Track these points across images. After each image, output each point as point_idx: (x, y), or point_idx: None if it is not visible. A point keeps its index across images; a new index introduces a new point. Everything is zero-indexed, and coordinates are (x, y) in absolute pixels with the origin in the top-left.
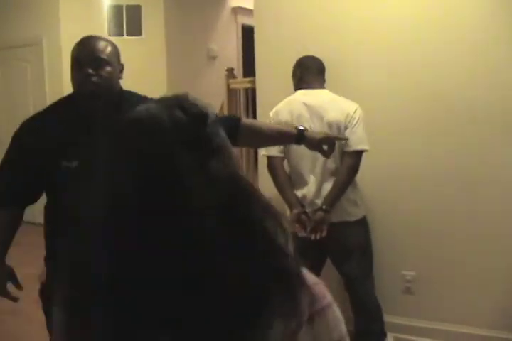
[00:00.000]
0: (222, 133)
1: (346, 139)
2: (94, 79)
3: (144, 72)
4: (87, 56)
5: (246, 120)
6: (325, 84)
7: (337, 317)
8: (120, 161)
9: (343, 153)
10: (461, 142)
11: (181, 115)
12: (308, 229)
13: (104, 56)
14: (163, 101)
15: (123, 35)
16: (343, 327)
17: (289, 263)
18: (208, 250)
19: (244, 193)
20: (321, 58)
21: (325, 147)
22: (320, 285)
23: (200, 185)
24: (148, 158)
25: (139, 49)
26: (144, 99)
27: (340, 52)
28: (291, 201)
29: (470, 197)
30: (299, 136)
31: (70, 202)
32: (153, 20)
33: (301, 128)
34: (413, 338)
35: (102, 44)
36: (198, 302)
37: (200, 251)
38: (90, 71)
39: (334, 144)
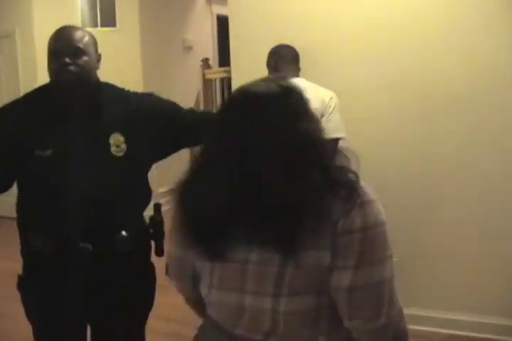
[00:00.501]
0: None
1: None
2: (72, 68)
3: (119, 63)
4: (64, 45)
5: None
6: (300, 73)
7: (380, 208)
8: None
9: None
10: (443, 131)
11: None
12: None
13: (81, 45)
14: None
15: (97, 26)
16: (384, 216)
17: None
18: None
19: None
20: (295, 47)
21: None
22: (369, 187)
23: (292, 133)
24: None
25: (113, 40)
26: (121, 92)
27: (314, 41)
28: None
29: (458, 183)
30: None
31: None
32: (127, 11)
33: None
34: None
35: (79, 33)
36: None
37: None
38: (67, 60)
39: None
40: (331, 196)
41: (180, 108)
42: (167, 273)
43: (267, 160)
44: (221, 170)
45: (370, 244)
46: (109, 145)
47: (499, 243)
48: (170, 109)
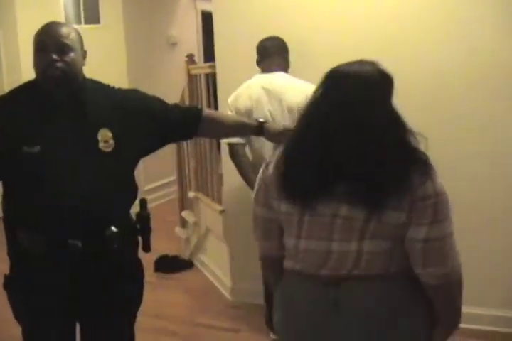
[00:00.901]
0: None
1: None
2: (59, 64)
3: (104, 60)
4: (51, 41)
5: (207, 111)
6: (288, 64)
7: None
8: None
9: None
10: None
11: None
12: None
13: (68, 42)
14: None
15: (81, 23)
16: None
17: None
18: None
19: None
20: None
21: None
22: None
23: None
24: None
25: (97, 37)
26: (107, 88)
27: (299, 35)
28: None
29: None
30: (259, 128)
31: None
32: (111, 8)
33: (261, 120)
34: None
35: (65, 30)
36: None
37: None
38: (55, 57)
39: None
40: (412, 169)
41: (166, 104)
42: (155, 269)
43: (366, 133)
44: (325, 141)
45: (440, 206)
46: (97, 141)
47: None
48: (155, 104)
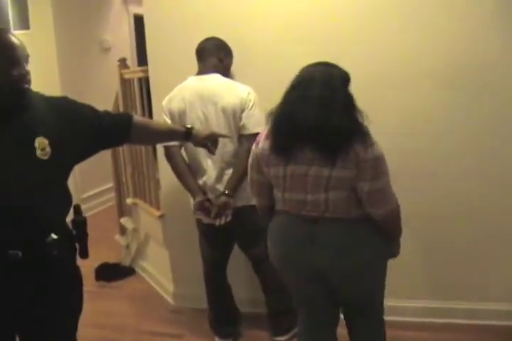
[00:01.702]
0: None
1: (229, 137)
2: (29, 76)
3: (35, 66)
4: (21, 53)
5: (138, 118)
6: (224, 65)
7: (380, 148)
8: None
9: (241, 137)
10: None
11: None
12: (212, 214)
13: (27, 52)
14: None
15: (10, 29)
16: (382, 151)
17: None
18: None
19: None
20: None
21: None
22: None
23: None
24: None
25: (27, 43)
26: (39, 96)
27: (233, 36)
28: (193, 189)
29: None
30: (186, 134)
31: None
32: (41, 13)
33: (189, 126)
34: None
35: (17, 40)
36: None
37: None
38: (27, 68)
39: (217, 141)
40: (355, 139)
41: (97, 110)
42: (96, 278)
43: (332, 105)
44: (305, 108)
45: (377, 166)
46: (34, 148)
47: None
48: (87, 111)
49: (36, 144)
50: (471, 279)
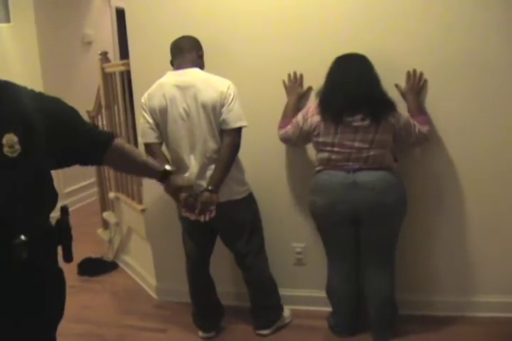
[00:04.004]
0: None
1: (208, 190)
2: None
3: (16, 60)
4: None
5: (120, 141)
6: (202, 62)
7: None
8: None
9: (223, 132)
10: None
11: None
12: (197, 211)
13: None
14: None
15: None
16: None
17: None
18: None
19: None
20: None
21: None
22: None
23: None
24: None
25: (8, 36)
26: (21, 90)
27: (213, 30)
28: None
29: None
30: (163, 177)
31: None
32: (22, 7)
33: (168, 168)
34: (309, 308)
35: None
36: None
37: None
38: None
39: (192, 195)
40: (388, 108)
41: (85, 122)
42: (79, 272)
43: (371, 81)
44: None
45: (406, 122)
46: (1, 145)
47: None
48: (74, 118)
49: (4, 141)
50: None
